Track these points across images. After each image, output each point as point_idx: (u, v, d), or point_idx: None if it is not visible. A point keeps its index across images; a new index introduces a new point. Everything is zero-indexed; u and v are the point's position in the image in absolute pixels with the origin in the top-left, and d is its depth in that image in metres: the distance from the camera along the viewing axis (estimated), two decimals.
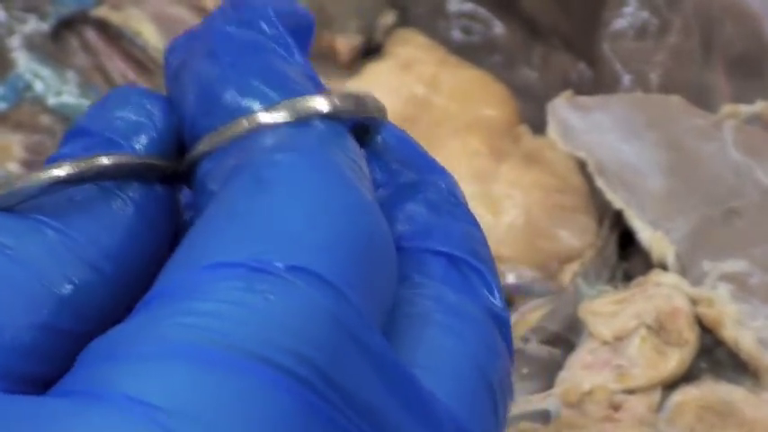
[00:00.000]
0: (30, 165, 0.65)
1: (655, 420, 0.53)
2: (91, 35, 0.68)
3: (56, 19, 0.68)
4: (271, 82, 0.31)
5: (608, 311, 0.56)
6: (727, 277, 0.56)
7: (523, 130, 0.66)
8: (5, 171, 0.64)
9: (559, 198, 0.63)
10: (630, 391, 0.53)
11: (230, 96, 0.31)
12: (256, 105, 0.31)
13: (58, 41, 0.68)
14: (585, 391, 0.53)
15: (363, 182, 0.30)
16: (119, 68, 0.68)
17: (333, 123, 0.31)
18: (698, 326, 0.55)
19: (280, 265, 0.27)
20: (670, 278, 0.56)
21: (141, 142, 0.32)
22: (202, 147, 0.31)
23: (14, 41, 0.67)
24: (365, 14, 0.70)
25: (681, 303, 0.55)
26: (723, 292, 0.55)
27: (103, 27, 0.68)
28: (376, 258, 0.29)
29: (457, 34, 0.73)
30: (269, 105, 0.30)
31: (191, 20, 0.69)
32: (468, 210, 0.34)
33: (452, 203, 0.34)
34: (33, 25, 0.68)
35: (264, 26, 0.32)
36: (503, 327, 0.32)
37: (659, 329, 0.54)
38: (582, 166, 0.62)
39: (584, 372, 0.54)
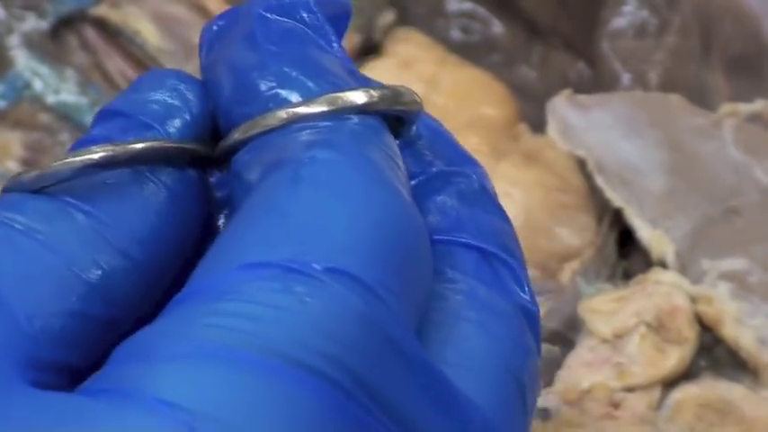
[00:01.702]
0: (29, 163, 0.65)
1: (654, 418, 0.53)
2: (90, 33, 0.68)
3: (55, 17, 0.68)
4: (309, 73, 0.31)
5: (608, 309, 0.56)
6: (726, 275, 0.56)
7: (523, 128, 0.66)
8: (5, 169, 0.64)
9: (559, 197, 0.63)
10: (630, 389, 0.53)
11: (267, 86, 0.31)
12: (294, 97, 0.30)
13: (56, 40, 0.68)
14: (585, 388, 0.53)
15: (401, 180, 0.30)
16: (118, 67, 0.68)
17: (369, 118, 0.30)
18: (697, 324, 0.55)
19: (317, 266, 0.27)
20: (670, 276, 0.56)
21: (175, 126, 0.32)
22: (238, 135, 0.31)
23: (13, 40, 0.67)
24: (364, 13, 0.70)
25: (680, 301, 0.55)
26: (723, 290, 0.55)
27: (102, 25, 0.68)
28: (414, 259, 0.29)
29: (456, 33, 0.73)
30: (307, 99, 0.30)
31: (190, 18, 0.69)
32: (498, 202, 0.34)
33: (483, 195, 0.34)
34: (32, 23, 0.68)
35: (304, 14, 0.32)
36: (532, 321, 0.32)
37: (659, 327, 0.54)
38: (581, 164, 0.62)
39: (583, 370, 0.54)
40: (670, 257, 0.57)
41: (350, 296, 0.27)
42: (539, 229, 0.62)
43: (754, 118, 0.63)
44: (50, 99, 0.67)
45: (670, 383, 0.54)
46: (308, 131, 0.30)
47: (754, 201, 0.59)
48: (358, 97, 0.30)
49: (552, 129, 0.62)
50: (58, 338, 0.29)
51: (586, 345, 0.55)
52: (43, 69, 0.67)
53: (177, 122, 0.32)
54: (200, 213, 0.33)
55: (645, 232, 0.59)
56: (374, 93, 0.31)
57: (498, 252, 0.32)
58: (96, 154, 0.30)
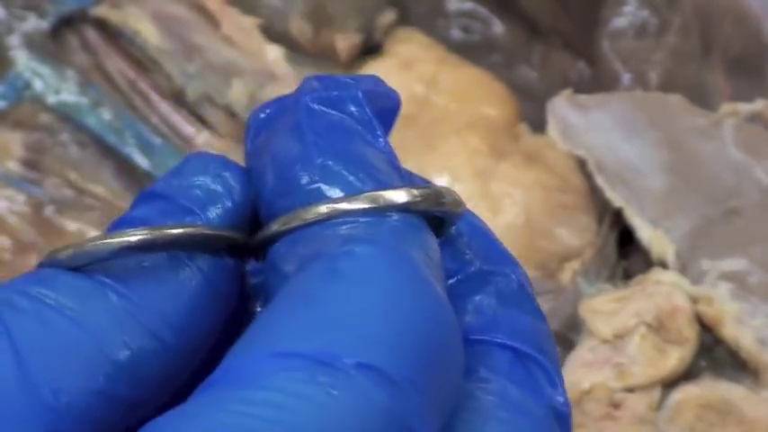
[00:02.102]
0: (29, 163, 0.65)
1: (655, 419, 0.53)
2: (90, 34, 0.68)
3: (55, 17, 0.68)
4: (353, 168, 0.31)
5: (608, 310, 0.56)
6: (726, 276, 0.56)
7: (523, 128, 0.66)
8: (5, 169, 0.64)
9: (559, 197, 0.63)
10: (630, 390, 0.53)
11: (309, 179, 0.31)
12: (335, 192, 0.30)
13: (57, 40, 0.68)
14: (585, 389, 0.53)
15: (437, 277, 0.30)
16: (118, 67, 0.68)
17: (409, 216, 0.31)
18: (698, 324, 0.55)
19: (347, 360, 0.27)
20: (670, 276, 0.56)
21: (216, 212, 0.32)
22: (277, 227, 0.31)
23: (14, 40, 0.67)
24: (365, 13, 0.70)
25: (681, 302, 0.55)
26: (723, 290, 0.56)
27: (103, 26, 0.68)
28: (443, 357, 0.29)
29: (456, 33, 0.73)
30: (348, 195, 0.30)
31: (190, 18, 0.69)
32: (536, 303, 0.34)
33: (521, 295, 0.34)
34: (33, 24, 0.68)
35: (352, 107, 0.32)
36: (563, 423, 0.32)
37: (659, 328, 0.55)
38: (582, 164, 0.62)
39: (584, 370, 0.54)
40: (670, 257, 0.57)
41: (375, 391, 0.27)
42: (539, 229, 0.62)
43: (755, 118, 0.63)
44: (51, 99, 0.67)
45: (670, 384, 0.54)
46: (348, 226, 0.30)
47: (755, 201, 0.59)
48: (399, 196, 0.30)
49: (552, 129, 0.62)
50: (83, 415, 0.29)
51: (587, 345, 0.55)
52: (44, 69, 0.67)
53: (218, 209, 0.32)
54: (234, 300, 0.33)
55: (645, 232, 0.59)
56: (416, 192, 0.31)
57: (533, 353, 0.32)
58: (134, 237, 0.30)
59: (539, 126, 0.65)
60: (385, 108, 0.33)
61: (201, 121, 0.67)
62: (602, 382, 0.53)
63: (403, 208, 0.30)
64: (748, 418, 0.52)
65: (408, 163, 0.65)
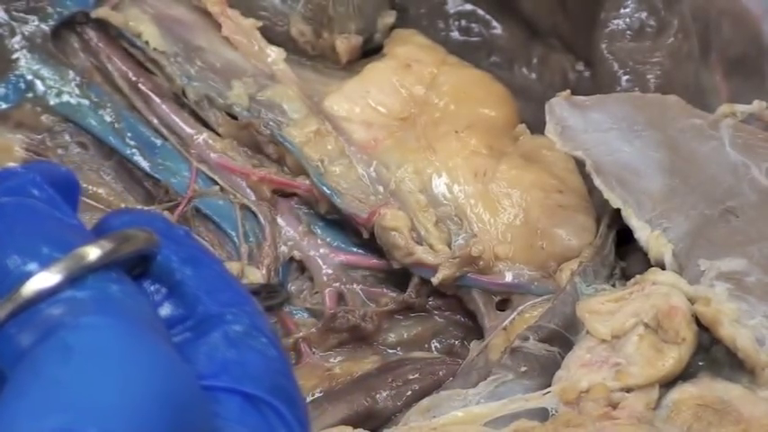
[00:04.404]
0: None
1: (652, 418, 0.53)
2: (91, 36, 0.69)
3: (56, 20, 0.68)
4: (49, 242, 0.32)
5: (606, 310, 0.56)
6: (724, 276, 0.56)
7: (522, 129, 0.66)
8: None
9: (558, 197, 0.63)
10: (628, 390, 0.53)
11: (11, 261, 0.32)
12: (36, 266, 0.31)
13: (58, 42, 0.68)
14: (583, 389, 0.53)
15: (165, 334, 0.31)
16: (119, 69, 0.68)
17: (118, 276, 0.32)
18: (695, 324, 0.55)
19: None
20: (667, 277, 0.56)
21: None
22: None
23: (16, 42, 0.68)
24: (365, 15, 0.70)
25: (678, 302, 0.55)
26: (720, 290, 0.56)
27: (104, 28, 0.68)
28: (184, 417, 0.30)
29: (456, 34, 0.73)
30: (48, 264, 0.31)
31: (191, 20, 0.69)
32: (272, 339, 0.35)
33: (253, 334, 0.34)
34: (34, 26, 0.68)
35: (35, 191, 0.33)
36: None
37: (657, 328, 0.55)
38: (580, 165, 0.62)
39: (582, 370, 0.54)
40: (668, 258, 0.58)
41: None
42: (537, 229, 0.62)
43: (752, 119, 0.63)
44: (52, 101, 0.67)
45: (668, 383, 0.54)
46: (66, 301, 0.31)
47: (752, 201, 0.59)
48: (93, 252, 0.32)
49: (550, 130, 0.62)
50: None
51: (585, 345, 0.55)
52: (45, 71, 0.67)
53: None
54: None
55: (643, 233, 0.59)
56: (106, 243, 0.32)
57: (263, 395, 0.33)
58: None
59: (538, 127, 0.65)
60: (66, 186, 0.34)
61: (202, 122, 0.67)
62: (600, 382, 0.53)
63: (102, 260, 0.32)
64: (745, 418, 0.53)
65: (408, 164, 0.66)
